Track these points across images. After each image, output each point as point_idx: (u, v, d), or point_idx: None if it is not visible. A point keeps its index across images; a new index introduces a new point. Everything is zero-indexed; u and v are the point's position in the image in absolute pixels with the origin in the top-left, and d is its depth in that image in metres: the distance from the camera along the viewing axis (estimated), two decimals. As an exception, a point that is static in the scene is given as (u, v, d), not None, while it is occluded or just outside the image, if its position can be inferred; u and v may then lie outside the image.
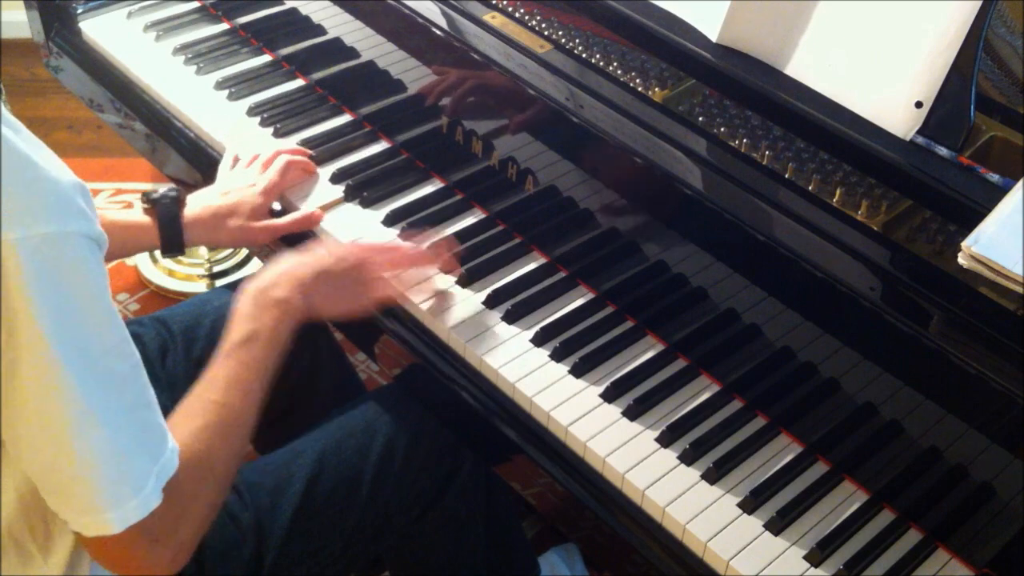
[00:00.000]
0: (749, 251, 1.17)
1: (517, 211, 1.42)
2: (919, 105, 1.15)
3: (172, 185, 1.40)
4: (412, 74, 1.50)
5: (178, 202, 1.38)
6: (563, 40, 1.37)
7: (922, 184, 1.12)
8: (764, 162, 1.20)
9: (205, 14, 1.81)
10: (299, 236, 1.42)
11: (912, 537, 1.12)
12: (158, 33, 1.76)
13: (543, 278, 1.36)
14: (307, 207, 1.44)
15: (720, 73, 1.26)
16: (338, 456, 1.27)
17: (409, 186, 1.49)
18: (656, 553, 1.13)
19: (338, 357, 1.68)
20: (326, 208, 1.45)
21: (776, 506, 1.13)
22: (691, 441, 1.18)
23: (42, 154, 0.87)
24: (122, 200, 2.60)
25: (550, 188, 1.37)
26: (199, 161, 1.61)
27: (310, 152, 1.52)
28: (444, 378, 1.29)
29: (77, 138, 2.82)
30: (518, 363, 1.25)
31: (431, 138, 1.50)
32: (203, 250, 2.34)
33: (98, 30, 1.78)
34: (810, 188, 1.16)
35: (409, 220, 1.43)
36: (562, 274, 1.37)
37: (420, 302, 1.31)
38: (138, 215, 1.38)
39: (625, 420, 1.20)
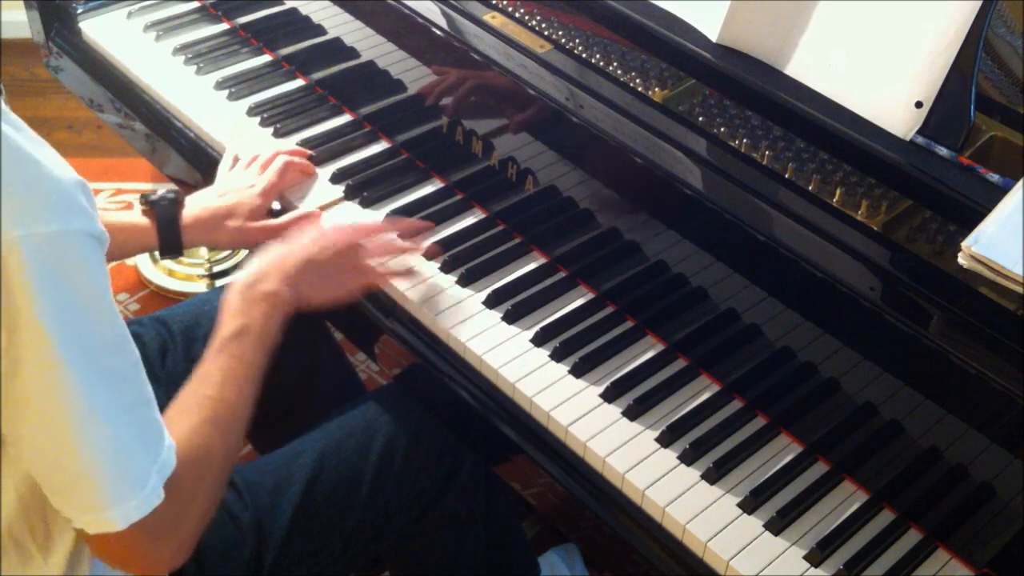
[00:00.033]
0: (749, 251, 1.17)
1: (517, 211, 1.42)
2: (919, 105, 1.15)
3: (171, 187, 1.40)
4: (412, 74, 1.50)
5: (176, 204, 1.38)
6: (563, 40, 1.37)
7: (922, 184, 1.12)
8: (764, 162, 1.20)
9: (205, 14, 1.81)
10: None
11: (912, 537, 1.12)
12: (158, 33, 1.76)
13: (543, 278, 1.36)
14: (306, 207, 1.44)
15: (720, 73, 1.26)
16: (338, 456, 1.27)
17: (409, 186, 1.49)
18: (656, 553, 1.13)
19: (338, 357, 1.68)
20: (325, 208, 1.45)
21: (776, 506, 1.13)
22: (691, 441, 1.18)
23: (44, 152, 0.88)
24: (122, 200, 2.60)
25: (550, 188, 1.37)
26: (199, 161, 1.61)
27: (310, 152, 1.52)
28: (444, 378, 1.29)
29: (77, 138, 2.82)
30: (518, 363, 1.26)
31: (431, 138, 1.50)
32: (203, 250, 2.34)
33: (98, 30, 1.78)
34: (810, 188, 1.16)
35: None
36: (562, 274, 1.37)
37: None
38: (136, 216, 1.38)
39: (625, 420, 1.20)
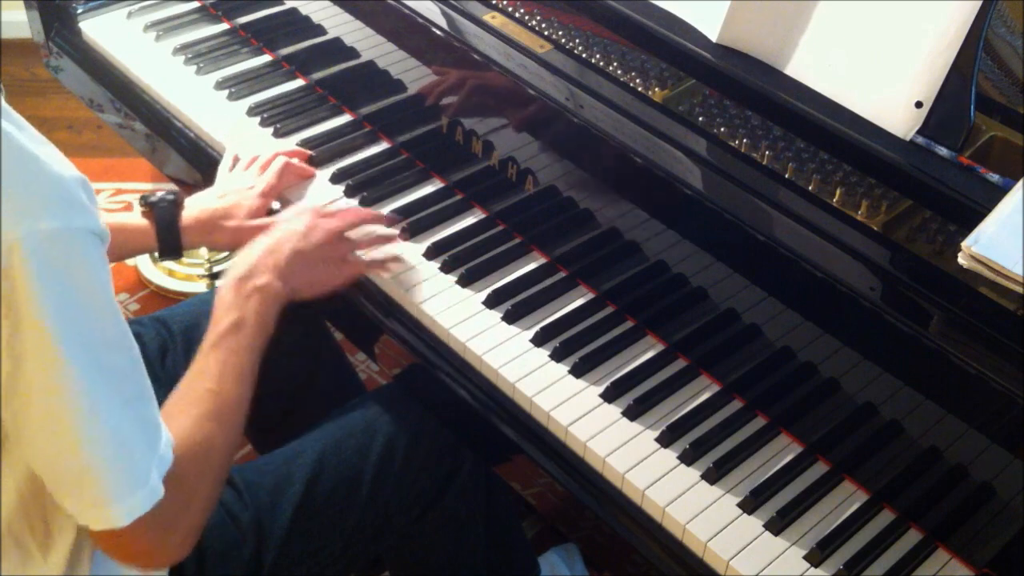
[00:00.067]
0: (749, 251, 1.17)
1: (517, 211, 1.42)
2: (919, 105, 1.15)
3: (171, 188, 1.40)
4: (412, 74, 1.50)
5: (176, 205, 1.38)
6: (563, 40, 1.37)
7: (922, 184, 1.12)
8: (764, 162, 1.20)
9: (205, 14, 1.81)
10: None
11: (912, 537, 1.12)
12: (158, 33, 1.76)
13: (543, 278, 1.36)
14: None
15: (720, 73, 1.26)
16: (338, 456, 1.27)
17: (409, 186, 1.49)
18: (656, 553, 1.13)
19: (338, 357, 1.68)
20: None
21: (776, 506, 1.13)
22: (691, 441, 1.18)
23: (45, 150, 0.88)
24: (122, 200, 2.60)
25: (550, 188, 1.37)
26: (199, 161, 1.61)
27: (310, 153, 1.52)
28: (444, 378, 1.29)
29: (77, 138, 2.82)
30: (518, 363, 1.25)
31: (431, 138, 1.50)
32: (203, 250, 2.34)
33: (98, 30, 1.78)
34: (810, 188, 1.16)
35: (409, 220, 1.43)
36: (562, 274, 1.37)
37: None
38: (136, 218, 1.38)
39: (625, 420, 1.20)
